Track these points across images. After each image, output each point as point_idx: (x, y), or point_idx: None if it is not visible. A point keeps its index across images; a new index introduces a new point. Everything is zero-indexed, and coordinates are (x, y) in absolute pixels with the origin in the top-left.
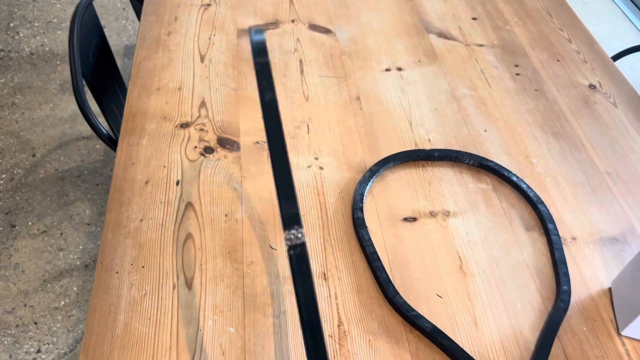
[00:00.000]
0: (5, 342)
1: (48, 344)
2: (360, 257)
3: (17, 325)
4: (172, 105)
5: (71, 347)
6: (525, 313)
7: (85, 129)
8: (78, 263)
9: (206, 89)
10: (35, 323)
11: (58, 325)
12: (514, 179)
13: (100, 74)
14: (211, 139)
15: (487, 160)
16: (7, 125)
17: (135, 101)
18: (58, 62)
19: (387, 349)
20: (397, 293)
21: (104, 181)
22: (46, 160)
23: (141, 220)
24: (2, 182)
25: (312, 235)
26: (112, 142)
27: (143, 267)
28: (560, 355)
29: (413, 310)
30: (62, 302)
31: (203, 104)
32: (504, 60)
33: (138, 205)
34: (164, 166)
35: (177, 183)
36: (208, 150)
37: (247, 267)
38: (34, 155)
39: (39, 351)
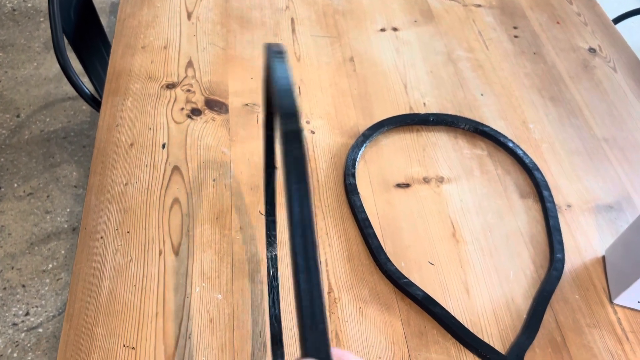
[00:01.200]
0: None
1: (36, 306)
2: (351, 224)
3: (5, 288)
4: (158, 64)
5: (60, 310)
6: (518, 281)
7: (71, 89)
8: (65, 226)
9: (193, 48)
10: (23, 286)
11: (46, 288)
12: (510, 144)
13: (82, 32)
14: (198, 100)
15: (483, 125)
16: None
17: (119, 60)
18: (41, 19)
19: (378, 316)
20: (389, 260)
21: (90, 143)
22: (31, 120)
23: (126, 184)
24: None
25: None
26: (96, 103)
27: (128, 232)
28: (552, 324)
29: (404, 277)
30: (50, 265)
31: (190, 64)
32: (503, 22)
33: (122, 168)
34: (150, 128)
35: (163, 146)
36: (195, 112)
37: (236, 233)
38: (18, 116)
39: (27, 314)
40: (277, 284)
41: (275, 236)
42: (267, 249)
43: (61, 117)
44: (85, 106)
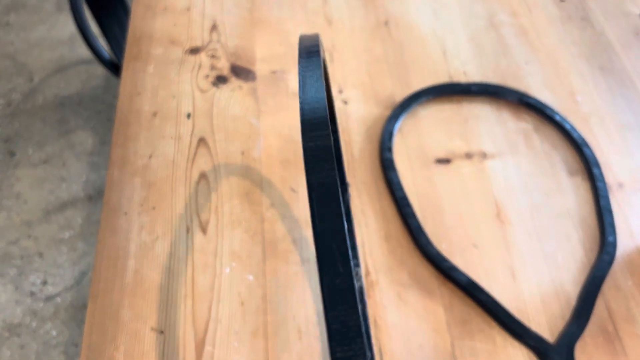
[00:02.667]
0: (11, 274)
1: (54, 275)
2: (388, 202)
3: (22, 257)
4: (181, 28)
5: (77, 280)
6: (566, 265)
7: (85, 52)
8: (82, 195)
9: (218, 10)
10: (40, 255)
11: (64, 257)
12: (557, 118)
13: None
14: (224, 66)
15: (528, 96)
16: (1, 47)
17: (140, 23)
18: None
19: (419, 301)
20: (429, 242)
21: (105, 109)
22: (44, 85)
23: (150, 156)
24: None
25: None
26: (114, 67)
27: (154, 208)
28: (604, 312)
29: (447, 260)
30: (67, 234)
31: (214, 27)
32: None
33: (146, 140)
34: (174, 97)
35: (188, 116)
36: (221, 79)
37: (267, 211)
38: (31, 80)
39: (45, 283)
40: (367, 324)
41: (358, 264)
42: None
43: (75, 81)
44: (100, 71)
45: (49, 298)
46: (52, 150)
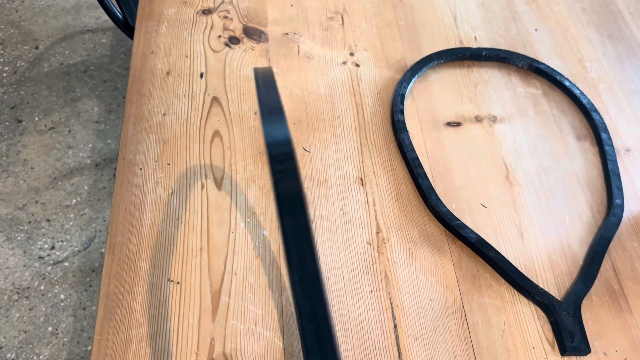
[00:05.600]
0: (19, 238)
1: (62, 241)
2: (400, 163)
3: (30, 222)
4: None
5: (85, 245)
6: (573, 226)
7: (90, 21)
8: (88, 162)
9: None
10: (48, 220)
11: (71, 223)
12: (567, 83)
13: None
14: (236, 27)
15: (538, 62)
16: (6, 14)
17: None
18: None
19: (428, 258)
20: (440, 201)
21: (111, 77)
22: (50, 53)
23: (164, 114)
24: (5, 75)
25: (347, 138)
26: (127, 28)
27: (168, 164)
28: (610, 271)
29: (457, 219)
30: (74, 201)
31: None
32: None
33: (160, 98)
34: (186, 56)
35: (201, 75)
36: (233, 40)
37: None
38: (36, 48)
39: (52, 248)
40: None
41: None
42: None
43: (80, 50)
44: (105, 39)
45: (57, 262)
46: (58, 118)
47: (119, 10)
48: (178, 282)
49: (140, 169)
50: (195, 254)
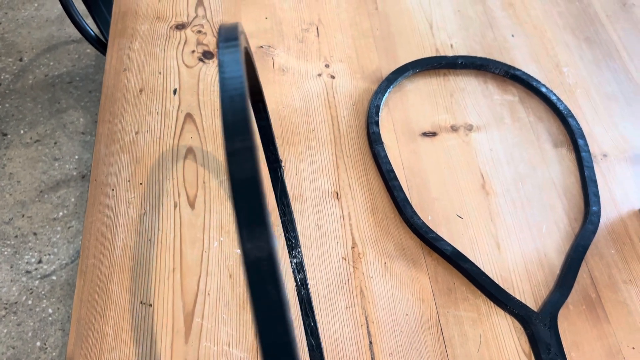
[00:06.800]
0: (6, 253)
1: (49, 254)
2: (375, 176)
3: (16, 236)
4: (166, 3)
5: (72, 258)
6: (551, 235)
7: (74, 31)
8: (75, 173)
9: None
10: (35, 234)
11: (58, 236)
12: (543, 90)
13: None
14: (210, 42)
15: (514, 69)
16: None
17: None
18: None
19: (404, 272)
20: (415, 213)
21: (96, 88)
22: (34, 65)
23: (137, 132)
24: None
25: (323, 151)
26: (101, 45)
27: (141, 184)
28: (587, 280)
29: (432, 231)
30: (61, 213)
31: (200, 3)
32: None
33: (132, 116)
34: (159, 72)
35: (175, 92)
36: (207, 55)
37: None
38: (21, 60)
39: (40, 261)
40: (308, 294)
41: (296, 238)
42: (289, 254)
43: (65, 61)
44: (89, 49)
45: (44, 276)
46: (43, 130)
47: (92, 27)
48: (150, 305)
49: (112, 189)
50: (168, 275)
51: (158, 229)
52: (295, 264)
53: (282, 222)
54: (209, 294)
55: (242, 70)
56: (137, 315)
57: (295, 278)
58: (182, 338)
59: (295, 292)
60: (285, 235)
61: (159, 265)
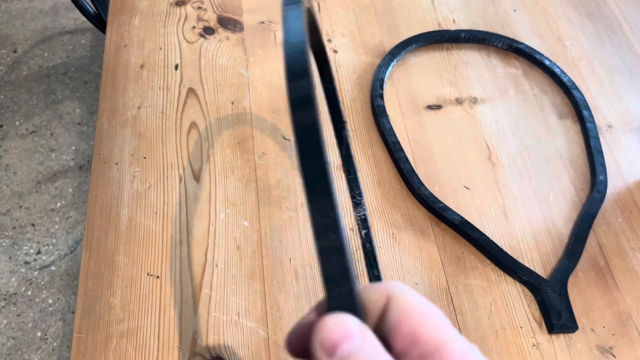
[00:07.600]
0: (4, 244)
1: (48, 245)
2: (381, 148)
3: (14, 227)
4: None
5: (71, 249)
6: (558, 204)
7: (68, 22)
8: (72, 164)
9: None
10: (33, 225)
11: (56, 227)
12: (547, 62)
13: None
14: (210, 18)
15: (517, 42)
16: None
17: None
18: None
19: (413, 242)
20: (422, 184)
21: (92, 79)
22: (29, 56)
23: (139, 107)
24: None
25: (327, 125)
26: (100, 22)
27: (145, 158)
28: (595, 248)
29: (439, 202)
30: (59, 204)
31: None
32: None
33: (134, 91)
34: (160, 48)
35: (176, 67)
36: (208, 30)
37: (259, 159)
38: (15, 51)
39: (39, 252)
40: (373, 247)
41: (361, 194)
42: (354, 210)
43: (60, 52)
44: (84, 40)
45: (43, 267)
46: (39, 121)
47: (91, 5)
48: (158, 276)
49: (116, 163)
50: (174, 247)
51: (164, 202)
52: (360, 219)
53: (348, 180)
54: (217, 265)
55: (303, 23)
56: (144, 287)
57: (360, 233)
58: (191, 309)
59: (361, 246)
60: (350, 193)
61: (165, 238)
